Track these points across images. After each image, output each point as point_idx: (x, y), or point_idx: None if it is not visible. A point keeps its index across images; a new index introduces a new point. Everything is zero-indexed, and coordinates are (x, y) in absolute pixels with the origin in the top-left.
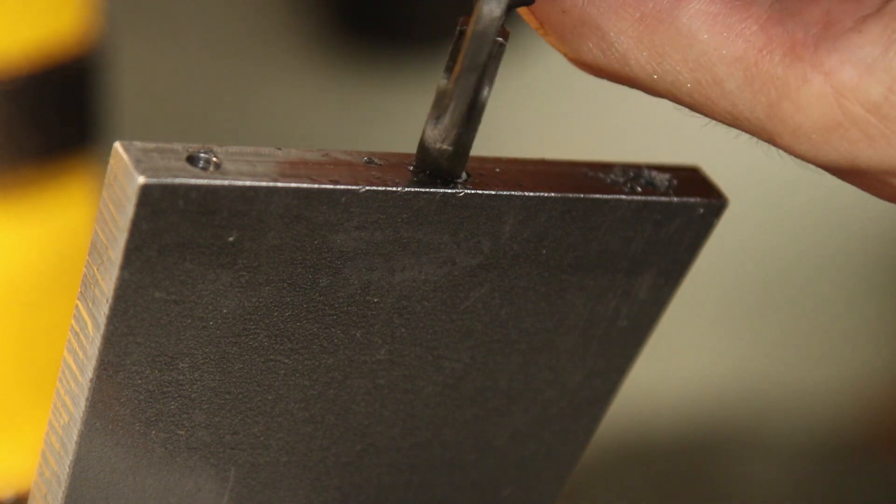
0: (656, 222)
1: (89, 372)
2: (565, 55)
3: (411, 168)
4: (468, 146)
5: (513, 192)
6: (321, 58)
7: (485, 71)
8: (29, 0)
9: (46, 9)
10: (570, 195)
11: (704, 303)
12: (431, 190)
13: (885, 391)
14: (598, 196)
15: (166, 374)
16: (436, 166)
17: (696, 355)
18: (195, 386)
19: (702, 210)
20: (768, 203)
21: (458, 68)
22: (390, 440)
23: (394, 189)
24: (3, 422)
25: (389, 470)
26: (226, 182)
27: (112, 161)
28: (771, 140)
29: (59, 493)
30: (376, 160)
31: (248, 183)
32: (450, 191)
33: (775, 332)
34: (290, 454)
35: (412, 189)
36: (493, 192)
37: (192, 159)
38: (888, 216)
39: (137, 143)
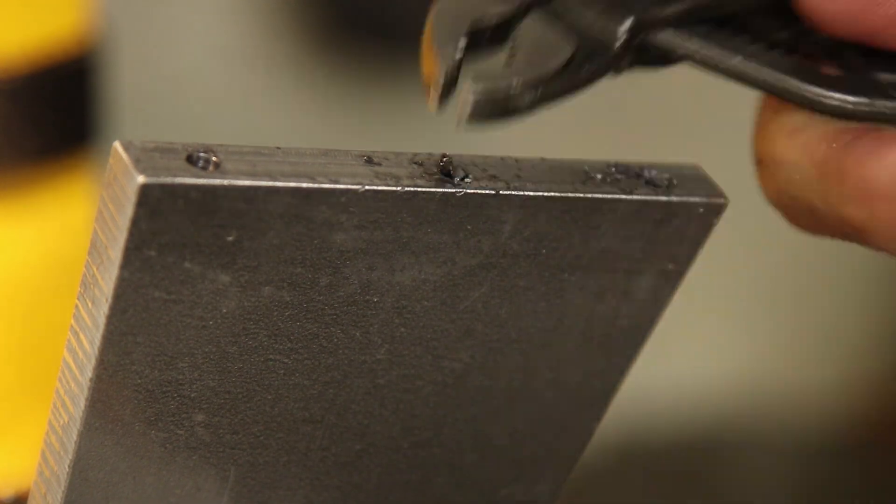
0: (656, 222)
1: (89, 371)
2: None
3: (414, 166)
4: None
5: (513, 192)
6: (321, 57)
7: None
8: (29, 0)
9: (46, 9)
10: (570, 195)
11: (704, 303)
12: (431, 189)
13: (885, 391)
14: (597, 195)
15: (166, 374)
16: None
17: (696, 355)
18: (195, 386)
19: (702, 209)
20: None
21: None
22: (390, 440)
23: (394, 189)
24: (3, 422)
25: (389, 470)
26: (225, 182)
27: (111, 160)
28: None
29: (59, 492)
30: (376, 160)
31: (247, 182)
32: (450, 190)
33: (775, 332)
34: (289, 454)
35: (412, 189)
36: (493, 192)
37: (191, 159)
38: None
39: (137, 143)
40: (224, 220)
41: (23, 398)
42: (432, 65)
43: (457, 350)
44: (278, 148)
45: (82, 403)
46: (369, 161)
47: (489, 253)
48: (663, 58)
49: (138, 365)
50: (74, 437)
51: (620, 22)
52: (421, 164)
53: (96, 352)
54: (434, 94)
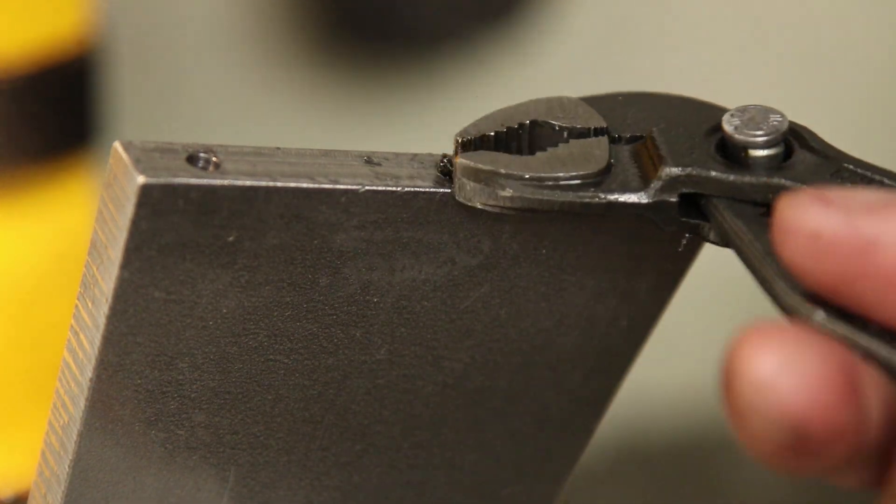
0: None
1: (89, 372)
2: None
3: (413, 167)
4: None
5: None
6: (322, 58)
7: None
8: (29, 0)
9: (46, 9)
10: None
11: (704, 303)
12: (431, 190)
13: None
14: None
15: (166, 374)
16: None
17: (696, 355)
18: (195, 386)
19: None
20: None
21: None
22: (390, 440)
23: (394, 189)
24: (3, 422)
25: (389, 470)
26: (226, 182)
27: (112, 161)
28: None
29: (59, 492)
30: (376, 160)
31: (247, 183)
32: (450, 190)
33: None
34: (289, 454)
35: (412, 189)
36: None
37: (191, 159)
38: None
39: (137, 143)
40: (224, 220)
41: (23, 398)
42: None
43: (457, 350)
44: (278, 148)
45: (82, 403)
46: (369, 161)
47: (489, 253)
48: (717, 233)
49: (138, 365)
50: (74, 437)
51: (665, 168)
52: (421, 164)
53: (96, 352)
54: (445, 163)
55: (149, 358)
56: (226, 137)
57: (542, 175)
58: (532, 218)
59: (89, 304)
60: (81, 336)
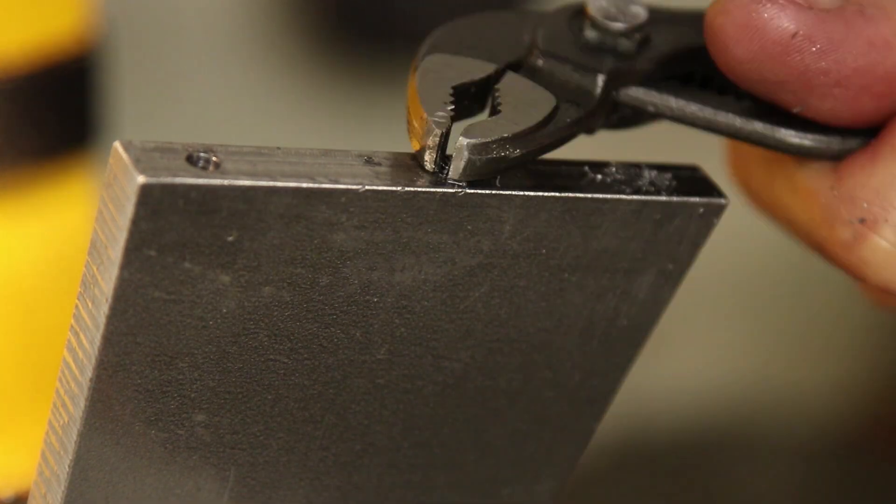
0: (656, 222)
1: (89, 372)
2: None
3: (413, 166)
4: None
5: (513, 192)
6: (322, 57)
7: None
8: (29, 0)
9: (46, 9)
10: (570, 195)
11: (704, 303)
12: (431, 190)
13: (884, 391)
14: (598, 196)
15: (166, 374)
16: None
17: (696, 355)
18: (195, 386)
19: (702, 210)
20: None
21: None
22: (390, 440)
23: (394, 189)
24: (3, 422)
25: (389, 469)
26: (225, 182)
27: (112, 161)
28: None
29: (59, 492)
30: (376, 160)
31: (247, 183)
32: (450, 190)
33: (775, 332)
34: (289, 454)
35: (412, 189)
36: (494, 192)
37: (191, 159)
38: None
39: (137, 143)
40: (224, 220)
41: (23, 398)
42: (422, 127)
43: (457, 350)
44: (278, 148)
45: (82, 403)
46: (369, 161)
47: (489, 253)
48: (635, 115)
49: (138, 365)
50: (74, 437)
51: (595, 77)
52: (421, 164)
53: (96, 352)
54: (430, 157)
55: (149, 358)
56: (226, 137)
57: (534, 123)
58: (532, 216)
59: (89, 304)
60: (81, 336)
